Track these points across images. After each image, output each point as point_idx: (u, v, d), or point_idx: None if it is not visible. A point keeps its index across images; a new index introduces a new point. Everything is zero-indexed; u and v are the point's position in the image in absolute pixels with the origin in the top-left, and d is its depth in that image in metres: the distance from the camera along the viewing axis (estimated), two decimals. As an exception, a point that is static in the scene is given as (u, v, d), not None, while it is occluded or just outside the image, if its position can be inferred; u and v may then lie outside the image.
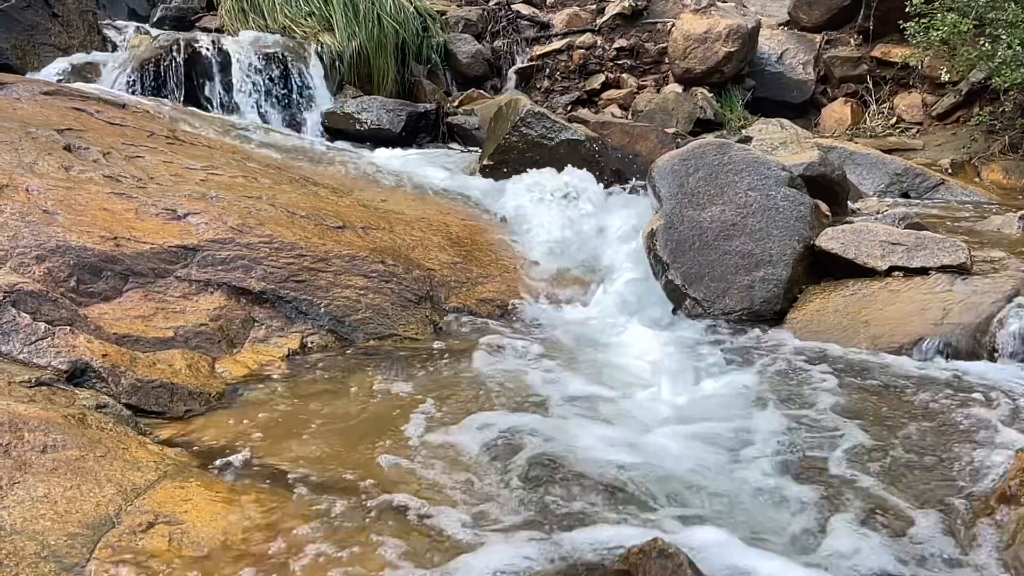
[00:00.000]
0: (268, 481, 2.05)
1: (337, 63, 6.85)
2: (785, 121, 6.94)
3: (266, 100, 6.31)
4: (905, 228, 3.75)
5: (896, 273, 3.42)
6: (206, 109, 5.98)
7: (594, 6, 8.70)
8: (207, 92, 6.13)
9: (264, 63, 6.34)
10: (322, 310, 3.11)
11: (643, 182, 4.35)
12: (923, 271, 3.38)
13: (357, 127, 6.19)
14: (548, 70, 8.29)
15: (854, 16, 7.58)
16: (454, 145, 6.44)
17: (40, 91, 4.53)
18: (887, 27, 7.18)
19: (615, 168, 4.85)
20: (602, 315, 3.61)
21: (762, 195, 3.75)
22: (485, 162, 4.98)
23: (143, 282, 2.90)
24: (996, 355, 2.94)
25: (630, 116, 7.50)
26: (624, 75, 8.10)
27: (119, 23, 7.05)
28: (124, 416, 2.25)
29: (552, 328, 3.41)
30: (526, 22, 8.68)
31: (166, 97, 5.89)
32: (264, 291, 3.07)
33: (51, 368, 2.35)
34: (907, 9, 6.22)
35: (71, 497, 1.78)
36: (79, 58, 6.00)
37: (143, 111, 4.84)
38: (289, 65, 6.45)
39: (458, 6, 8.80)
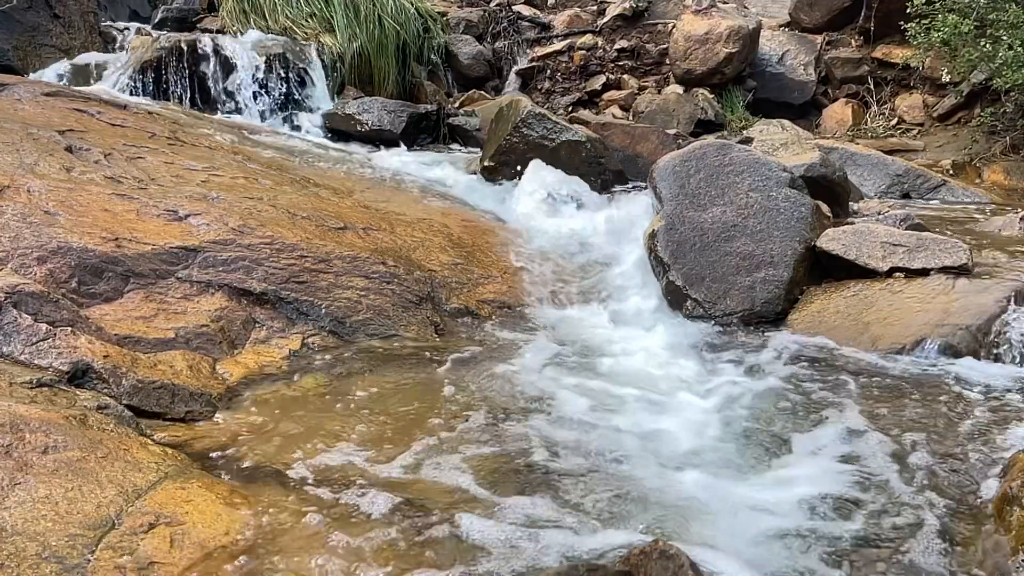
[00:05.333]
0: (269, 481, 2.05)
1: (338, 64, 6.86)
2: (786, 122, 6.94)
3: (267, 101, 6.32)
4: (906, 229, 3.75)
5: (897, 274, 3.41)
6: (207, 110, 5.98)
7: (595, 7, 8.71)
8: (208, 93, 6.13)
9: (265, 64, 6.35)
10: (323, 311, 3.12)
11: (644, 183, 4.35)
12: (924, 272, 3.38)
13: (358, 128, 6.19)
14: (549, 71, 8.29)
15: (855, 17, 7.58)
16: (455, 146, 6.45)
17: (41, 92, 4.53)
18: (888, 28, 7.18)
19: (616, 169, 4.85)
20: (603, 316, 3.61)
21: (763, 196, 3.75)
22: (486, 163, 4.98)
23: (144, 283, 2.90)
24: (997, 356, 2.93)
25: (631, 117, 7.51)
26: (625, 76, 8.10)
27: (120, 24, 7.05)
28: (125, 417, 2.25)
29: (553, 329, 3.41)
30: (527, 23, 8.68)
31: (167, 98, 5.90)
32: (265, 292, 3.08)
33: (52, 369, 2.36)
34: (908, 10, 6.22)
35: (72, 498, 1.78)
36: (80, 59, 6.01)
37: (144, 112, 4.84)
38: (290, 66, 6.46)
39: (459, 7, 8.81)
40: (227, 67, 6.22)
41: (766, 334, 3.34)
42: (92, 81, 5.80)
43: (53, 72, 5.77)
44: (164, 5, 7.93)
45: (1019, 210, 4.73)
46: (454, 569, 1.70)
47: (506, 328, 3.37)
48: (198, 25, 7.58)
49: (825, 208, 3.98)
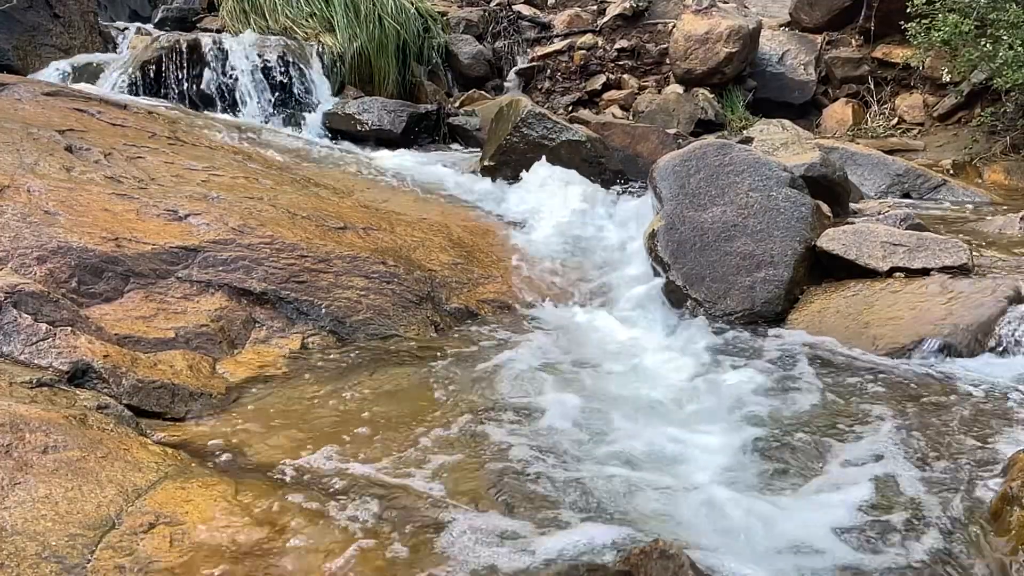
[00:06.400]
0: (269, 481, 2.05)
1: (338, 64, 6.86)
2: (786, 122, 6.94)
3: (267, 101, 6.32)
4: (906, 229, 3.75)
5: (897, 274, 3.41)
6: (207, 110, 5.98)
7: (595, 7, 8.71)
8: (208, 93, 6.13)
9: (265, 64, 6.35)
10: (323, 311, 3.11)
11: (644, 183, 4.35)
12: (924, 272, 3.38)
13: (358, 128, 6.19)
14: (549, 71, 8.29)
15: (855, 17, 7.58)
16: (455, 146, 6.44)
17: (42, 92, 4.53)
18: (888, 28, 7.18)
19: (616, 169, 4.86)
20: (602, 316, 3.60)
21: (763, 196, 3.75)
22: (486, 163, 4.98)
23: (144, 283, 2.90)
24: (997, 356, 2.93)
25: (631, 117, 7.51)
26: (625, 76, 8.11)
27: (120, 24, 7.06)
28: (125, 417, 2.25)
29: (553, 329, 3.40)
30: (527, 23, 8.68)
31: (167, 98, 5.90)
32: (265, 292, 3.07)
33: (52, 369, 2.36)
34: (908, 10, 6.22)
35: (72, 498, 1.78)
36: (80, 59, 6.01)
37: (144, 112, 4.84)
38: (290, 66, 6.46)
39: (459, 7, 8.81)
40: (227, 67, 6.21)
41: (766, 334, 3.34)
42: (92, 81, 5.79)
43: (53, 72, 5.77)
44: (164, 5, 7.93)
45: (1019, 210, 4.72)
46: (451, 573, 1.70)
47: (506, 328, 3.36)
48: (198, 25, 7.58)
49: (825, 208, 3.98)
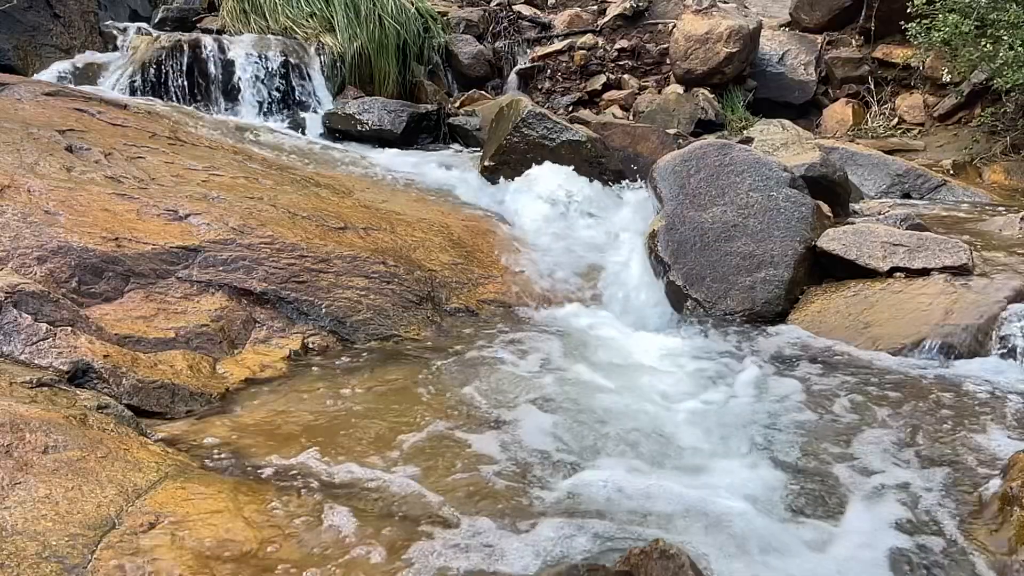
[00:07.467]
0: (268, 482, 2.05)
1: (338, 64, 6.85)
2: (786, 122, 6.93)
3: (267, 101, 6.31)
4: (907, 229, 3.75)
5: (898, 274, 3.41)
6: (207, 110, 5.98)
7: (595, 7, 8.70)
8: (208, 93, 6.13)
9: (265, 64, 6.34)
10: (323, 311, 3.11)
11: (644, 183, 4.35)
12: (925, 272, 3.38)
13: (359, 128, 6.19)
14: (549, 71, 8.28)
15: (855, 17, 7.57)
16: (455, 146, 6.44)
17: (42, 92, 4.53)
18: (889, 28, 7.18)
19: (616, 169, 4.85)
20: (603, 316, 3.61)
21: (763, 196, 3.75)
22: (486, 163, 4.98)
23: (144, 283, 2.90)
24: (997, 356, 2.93)
25: (631, 117, 7.50)
26: (625, 76, 8.10)
27: (121, 24, 7.04)
28: (125, 417, 2.25)
29: (553, 330, 3.40)
30: (527, 23, 8.68)
31: (167, 98, 5.90)
32: (265, 292, 3.07)
33: (52, 369, 2.35)
34: (908, 10, 6.22)
35: (72, 498, 1.78)
36: (81, 59, 6.01)
37: (145, 112, 4.84)
38: (291, 66, 6.45)
39: (459, 7, 8.80)
40: (227, 67, 6.21)
41: (767, 334, 3.34)
42: (93, 81, 5.79)
43: (54, 72, 5.76)
44: (164, 5, 7.92)
45: (1019, 210, 4.72)
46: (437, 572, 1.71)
47: (506, 328, 3.36)
48: (198, 25, 7.57)
49: (825, 208, 3.98)
